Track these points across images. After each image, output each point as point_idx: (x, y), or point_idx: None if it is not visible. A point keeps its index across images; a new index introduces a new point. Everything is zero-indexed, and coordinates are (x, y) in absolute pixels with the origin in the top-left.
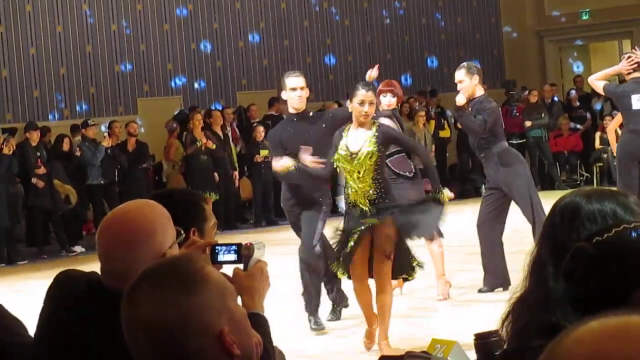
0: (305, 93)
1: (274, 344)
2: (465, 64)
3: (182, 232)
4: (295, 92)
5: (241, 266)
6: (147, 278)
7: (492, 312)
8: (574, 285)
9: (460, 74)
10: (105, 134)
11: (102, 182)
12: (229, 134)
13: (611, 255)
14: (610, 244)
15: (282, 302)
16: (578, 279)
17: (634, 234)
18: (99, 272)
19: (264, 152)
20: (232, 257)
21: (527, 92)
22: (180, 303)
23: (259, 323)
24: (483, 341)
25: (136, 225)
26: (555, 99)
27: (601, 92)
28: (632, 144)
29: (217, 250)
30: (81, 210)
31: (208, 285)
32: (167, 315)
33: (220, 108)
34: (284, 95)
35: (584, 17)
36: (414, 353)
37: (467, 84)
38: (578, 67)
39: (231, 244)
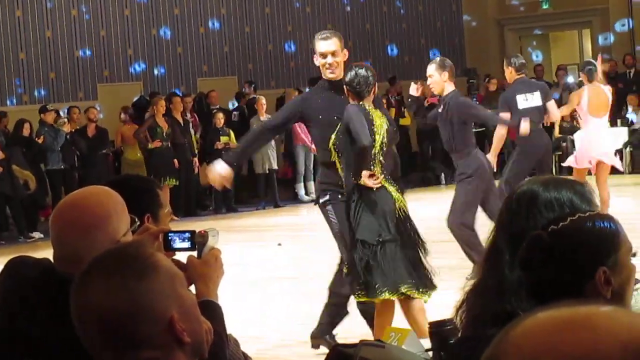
0: (341, 58)
1: (228, 331)
2: (437, 58)
3: (137, 220)
4: (325, 59)
5: (195, 253)
6: (97, 265)
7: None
8: (529, 274)
9: (431, 69)
10: (65, 120)
11: (62, 167)
12: (189, 120)
13: (566, 244)
14: (565, 233)
15: (240, 289)
16: (533, 268)
17: (589, 224)
18: (52, 259)
19: (224, 139)
20: (186, 244)
21: (487, 80)
22: (130, 289)
23: (213, 310)
24: (438, 329)
25: (91, 211)
26: None
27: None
28: (532, 146)
29: (170, 238)
30: (40, 196)
31: (158, 272)
32: (117, 302)
33: (180, 94)
34: (316, 60)
35: (545, 6)
36: (369, 341)
37: (437, 79)
38: (537, 56)
39: (185, 231)
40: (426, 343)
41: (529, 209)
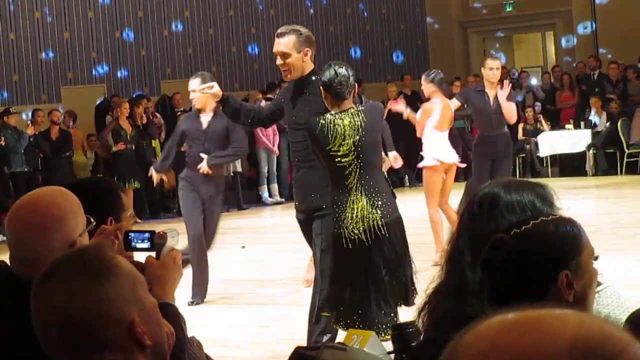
0: (295, 59)
1: (191, 334)
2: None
3: (92, 220)
4: (277, 60)
5: (154, 254)
6: (57, 268)
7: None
8: (491, 277)
9: None
10: (29, 122)
11: (25, 169)
12: (154, 123)
13: (529, 248)
14: (528, 237)
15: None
16: (495, 270)
17: (551, 227)
18: (8, 261)
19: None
20: (146, 244)
21: (452, 83)
22: (90, 292)
23: (171, 312)
24: (400, 332)
25: (47, 211)
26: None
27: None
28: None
29: (130, 237)
30: (3, 199)
31: (118, 275)
32: (77, 305)
33: (144, 96)
34: None
35: (508, 9)
36: (331, 344)
37: None
38: (501, 59)
39: (145, 231)
40: (388, 346)
41: (490, 212)
